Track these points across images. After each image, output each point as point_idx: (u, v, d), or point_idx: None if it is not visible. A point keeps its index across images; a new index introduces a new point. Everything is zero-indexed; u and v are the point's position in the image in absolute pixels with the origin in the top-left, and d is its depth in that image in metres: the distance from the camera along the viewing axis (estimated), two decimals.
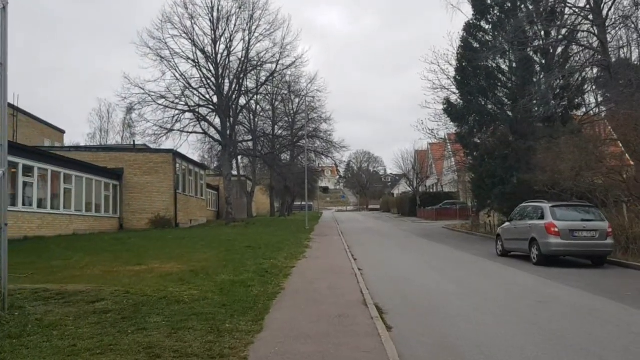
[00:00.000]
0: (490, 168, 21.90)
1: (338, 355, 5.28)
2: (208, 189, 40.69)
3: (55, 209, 21.40)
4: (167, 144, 35.52)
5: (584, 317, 7.44)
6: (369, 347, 5.53)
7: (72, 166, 23.09)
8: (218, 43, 32.96)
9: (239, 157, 44.17)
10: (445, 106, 24.46)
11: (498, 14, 23.17)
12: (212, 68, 33.16)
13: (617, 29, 21.62)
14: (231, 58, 33.77)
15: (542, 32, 22.45)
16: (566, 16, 22.18)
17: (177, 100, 32.63)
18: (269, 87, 37.79)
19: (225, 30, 32.97)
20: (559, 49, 22.62)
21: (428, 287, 10.18)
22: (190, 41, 32.52)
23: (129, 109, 34.05)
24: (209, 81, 33.31)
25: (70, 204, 22.61)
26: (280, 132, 46.34)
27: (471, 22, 23.74)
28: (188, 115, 33.23)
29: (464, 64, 23.43)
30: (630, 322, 7.18)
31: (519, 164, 20.82)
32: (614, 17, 20.86)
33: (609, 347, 5.87)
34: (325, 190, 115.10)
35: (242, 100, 37.13)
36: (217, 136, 35.38)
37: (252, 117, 43.51)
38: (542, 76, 21.97)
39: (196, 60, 32.71)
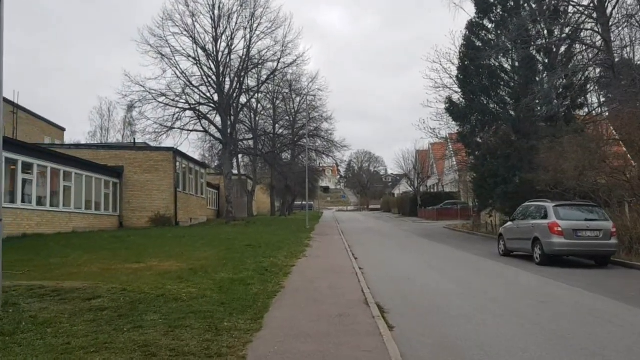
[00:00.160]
0: (492, 167, 21.79)
1: (339, 354, 5.18)
2: (208, 188, 40.61)
3: (54, 207, 21.30)
4: (168, 142, 35.38)
5: (586, 318, 7.34)
6: (370, 347, 5.44)
7: (72, 164, 23.00)
8: (219, 41, 32.90)
9: (240, 156, 44.06)
10: (447, 105, 24.39)
11: (501, 12, 23.07)
12: (213, 66, 33.06)
13: (621, 28, 21.53)
14: (232, 56, 33.71)
15: (545, 31, 22.35)
16: (570, 15, 22.09)
17: (177, 98, 32.56)
18: (270, 86, 37.73)
19: (226, 28, 32.92)
20: (562, 48, 22.49)
21: (429, 286, 10.08)
22: (191, 39, 32.47)
23: (130, 107, 34.05)
24: (209, 79, 33.23)
25: (70, 202, 22.51)
26: (281, 131, 46.35)
27: (474, 20, 23.69)
28: (189, 113, 33.20)
29: (466, 63, 23.33)
30: (634, 323, 7.09)
31: (522, 163, 20.72)
32: (618, 15, 20.79)
33: (612, 347, 5.78)
34: (326, 190, 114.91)
35: (243, 99, 37.13)
36: (217, 134, 35.23)
37: (253, 116, 43.44)
38: (545, 75, 21.88)
39: (197, 58, 32.67)
